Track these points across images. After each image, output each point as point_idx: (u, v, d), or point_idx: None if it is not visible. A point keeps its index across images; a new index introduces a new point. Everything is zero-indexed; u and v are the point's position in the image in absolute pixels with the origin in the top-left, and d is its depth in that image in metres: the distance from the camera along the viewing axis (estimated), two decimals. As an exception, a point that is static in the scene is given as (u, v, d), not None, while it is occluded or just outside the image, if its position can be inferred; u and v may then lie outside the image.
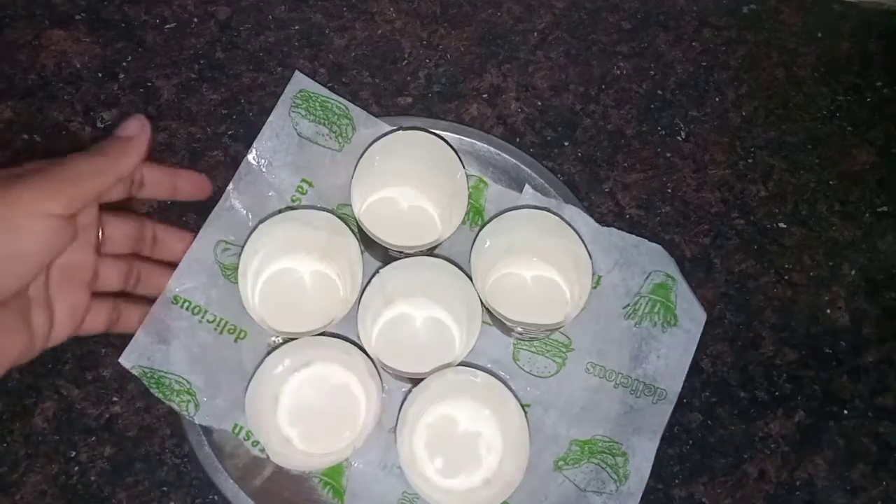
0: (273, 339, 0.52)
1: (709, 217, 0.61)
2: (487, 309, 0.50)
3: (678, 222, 0.60)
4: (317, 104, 0.56)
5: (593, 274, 0.51)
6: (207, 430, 0.50)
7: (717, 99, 0.64)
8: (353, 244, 0.51)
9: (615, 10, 0.66)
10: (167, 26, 0.62)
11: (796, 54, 0.66)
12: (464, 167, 0.53)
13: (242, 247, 0.50)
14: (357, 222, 0.52)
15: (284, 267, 0.53)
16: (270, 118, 0.54)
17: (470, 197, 0.53)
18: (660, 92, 0.64)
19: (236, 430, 0.50)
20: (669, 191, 0.61)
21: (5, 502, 0.50)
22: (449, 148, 0.53)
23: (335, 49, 0.63)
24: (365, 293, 0.50)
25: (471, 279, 0.50)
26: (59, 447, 0.52)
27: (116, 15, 0.62)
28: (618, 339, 0.54)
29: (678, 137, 0.62)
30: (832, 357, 0.58)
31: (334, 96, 0.56)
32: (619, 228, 0.55)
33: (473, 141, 0.58)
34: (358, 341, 0.50)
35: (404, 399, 0.49)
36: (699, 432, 0.56)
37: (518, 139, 0.61)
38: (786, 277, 0.60)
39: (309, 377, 0.51)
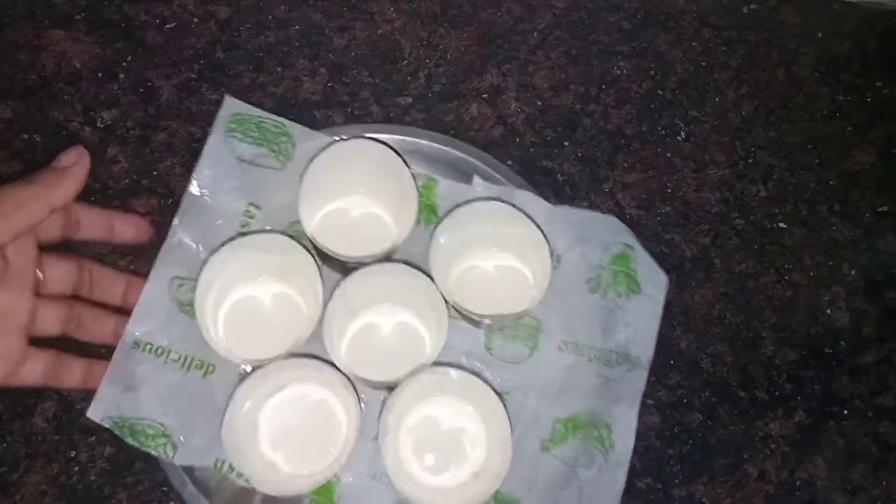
0: (242, 368, 0.52)
1: (709, 217, 0.61)
2: (453, 305, 0.51)
3: (678, 222, 0.60)
4: (252, 125, 0.55)
5: (552, 254, 0.52)
6: (189, 469, 0.49)
7: (717, 99, 0.64)
8: (310, 262, 0.50)
9: (615, 10, 0.66)
10: (167, 26, 0.62)
11: (796, 54, 0.66)
12: (409, 167, 0.52)
13: (197, 280, 0.49)
14: (310, 238, 0.52)
15: (243, 295, 0.52)
16: (206, 147, 0.53)
17: (421, 195, 0.52)
18: (660, 92, 0.64)
19: (218, 465, 0.49)
20: (669, 191, 0.61)
21: (5, 502, 0.50)
22: (391, 151, 0.53)
23: (335, 49, 0.63)
24: (328, 308, 0.49)
25: (432, 278, 0.50)
26: (59, 447, 0.52)
27: (116, 15, 0.62)
28: (586, 314, 0.54)
29: (678, 137, 0.62)
30: (832, 357, 0.58)
31: (269, 115, 0.55)
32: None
33: (416, 140, 0.57)
34: (328, 357, 0.49)
35: (383, 406, 0.49)
36: (699, 432, 0.56)
37: (518, 139, 0.61)
38: (786, 277, 0.60)
39: (284, 400, 0.51)
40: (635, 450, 0.54)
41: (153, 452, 0.48)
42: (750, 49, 0.66)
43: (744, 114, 0.64)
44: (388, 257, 0.52)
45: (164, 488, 0.51)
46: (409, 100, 0.61)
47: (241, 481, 0.49)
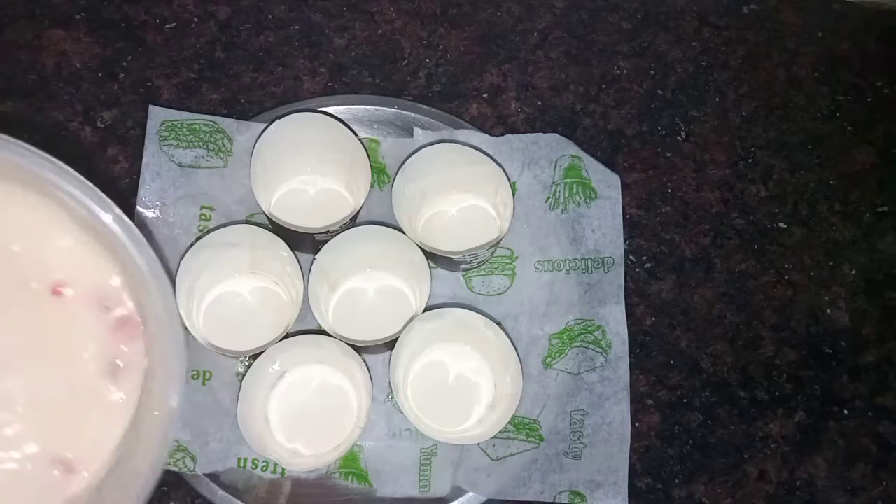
0: (239, 369, 0.52)
1: (709, 217, 0.61)
2: (429, 253, 0.51)
3: (678, 222, 0.60)
4: (184, 129, 0.55)
5: (509, 181, 0.53)
6: (214, 476, 0.50)
7: (717, 99, 0.64)
8: (280, 245, 0.50)
9: (615, 10, 0.66)
10: (167, 26, 0.62)
11: (796, 54, 0.66)
12: (353, 132, 0.53)
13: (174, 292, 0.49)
14: (271, 224, 0.52)
15: (222, 292, 0.53)
16: (144, 160, 0.54)
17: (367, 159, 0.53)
18: (660, 92, 0.64)
19: (242, 464, 0.50)
20: (669, 191, 0.61)
21: (5, 502, 0.50)
22: (331, 119, 0.53)
23: (335, 49, 0.63)
24: (309, 286, 0.50)
25: (402, 232, 0.52)
26: (59, 447, 0.52)
27: (116, 15, 0.62)
28: (553, 231, 0.56)
29: (678, 137, 0.62)
30: (832, 357, 0.58)
31: (198, 115, 0.55)
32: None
33: (348, 106, 0.58)
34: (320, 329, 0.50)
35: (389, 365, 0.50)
36: (699, 432, 0.56)
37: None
38: (786, 277, 0.60)
39: (289, 386, 0.51)
40: (635, 450, 0.54)
41: (173, 468, 0.49)
42: (750, 49, 0.66)
43: (744, 114, 0.64)
44: (352, 223, 0.53)
45: (164, 488, 0.51)
46: (410, 100, 0.61)
47: (267, 474, 0.50)
